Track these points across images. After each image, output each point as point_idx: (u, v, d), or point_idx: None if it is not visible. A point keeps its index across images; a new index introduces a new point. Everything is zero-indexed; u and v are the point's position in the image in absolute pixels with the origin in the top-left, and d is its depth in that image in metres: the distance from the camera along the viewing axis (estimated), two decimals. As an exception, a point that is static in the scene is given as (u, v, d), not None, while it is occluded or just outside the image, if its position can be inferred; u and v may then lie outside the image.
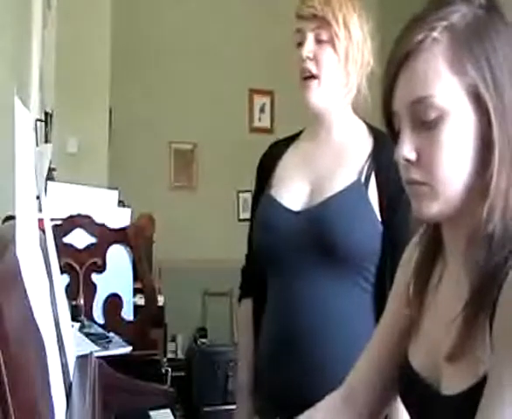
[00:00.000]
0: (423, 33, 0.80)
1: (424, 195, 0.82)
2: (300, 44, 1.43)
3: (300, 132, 1.59)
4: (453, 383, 0.81)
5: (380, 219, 1.38)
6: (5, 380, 0.56)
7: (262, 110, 5.36)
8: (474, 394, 0.76)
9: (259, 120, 5.35)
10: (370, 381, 1.03)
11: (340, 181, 1.41)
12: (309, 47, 1.41)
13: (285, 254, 1.42)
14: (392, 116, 0.86)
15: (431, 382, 0.87)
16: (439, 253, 0.92)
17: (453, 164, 0.79)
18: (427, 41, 0.80)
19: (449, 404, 0.82)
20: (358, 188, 1.39)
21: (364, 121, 1.50)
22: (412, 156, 0.82)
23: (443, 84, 0.79)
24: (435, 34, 0.80)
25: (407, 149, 0.82)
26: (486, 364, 0.76)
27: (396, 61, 0.82)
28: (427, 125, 0.80)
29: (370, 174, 1.40)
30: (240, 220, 4.89)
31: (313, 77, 1.42)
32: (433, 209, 0.82)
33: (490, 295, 0.76)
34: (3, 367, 0.55)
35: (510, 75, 0.79)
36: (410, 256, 0.99)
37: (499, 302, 0.75)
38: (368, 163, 1.41)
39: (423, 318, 0.93)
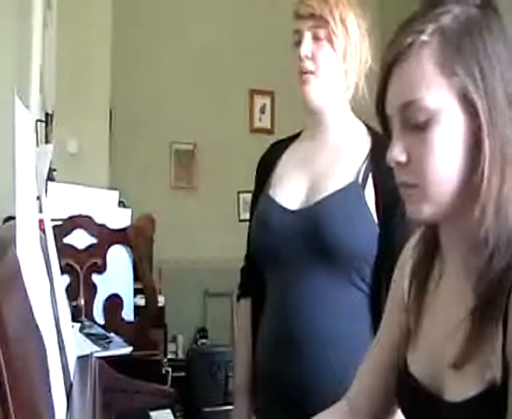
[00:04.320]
0: (411, 37, 0.80)
1: (414, 197, 0.82)
2: (298, 44, 1.43)
3: (300, 132, 1.59)
4: (457, 389, 0.80)
5: (377, 220, 1.38)
6: (5, 380, 0.55)
7: (262, 110, 5.35)
8: (482, 400, 0.76)
9: (260, 120, 5.35)
10: (373, 390, 1.02)
11: (337, 181, 1.41)
12: (307, 46, 1.42)
13: (282, 253, 1.42)
14: (386, 118, 0.86)
15: (432, 389, 0.86)
16: (436, 255, 0.92)
17: (443, 166, 0.79)
18: (416, 44, 0.79)
19: (455, 411, 0.80)
20: (355, 188, 1.39)
21: (363, 122, 1.50)
22: (403, 158, 0.81)
23: (432, 86, 0.78)
24: (424, 37, 0.79)
25: (397, 152, 0.82)
26: (494, 369, 0.75)
27: (386, 65, 0.82)
28: (418, 127, 0.80)
29: (368, 175, 1.40)
30: (241, 220, 4.88)
31: (311, 73, 1.42)
32: (424, 211, 0.81)
33: (498, 301, 0.75)
34: (3, 367, 0.55)
35: (502, 77, 0.78)
36: (406, 259, 0.98)
37: (510, 313, 0.74)
38: (365, 164, 1.41)
39: (421, 322, 0.92)
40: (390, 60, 0.81)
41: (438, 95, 0.78)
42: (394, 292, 1.02)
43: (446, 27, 0.79)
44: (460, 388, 0.79)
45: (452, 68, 0.78)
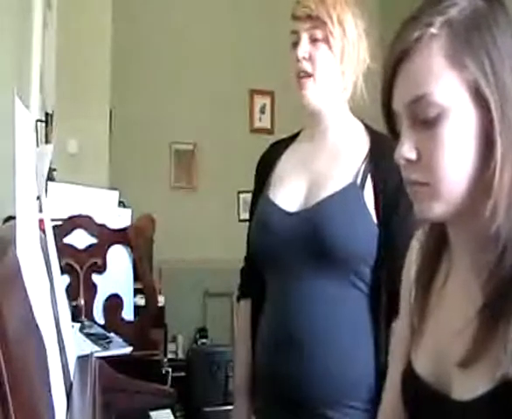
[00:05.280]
0: (420, 30, 0.78)
1: (425, 195, 0.80)
2: (296, 45, 1.43)
3: (299, 132, 1.59)
4: (465, 388, 0.79)
5: (376, 221, 1.37)
6: (5, 380, 0.55)
7: (262, 110, 5.36)
8: (493, 398, 0.75)
9: (260, 120, 5.35)
10: (398, 404, 0.97)
11: (336, 182, 1.40)
12: (304, 47, 1.41)
13: (281, 255, 1.42)
14: (393, 116, 0.84)
15: (438, 388, 0.85)
16: (443, 254, 0.90)
17: (454, 162, 0.77)
18: (425, 37, 0.78)
19: (463, 410, 0.79)
20: (354, 189, 1.39)
21: (362, 121, 1.50)
22: (413, 156, 0.80)
23: (442, 80, 0.77)
24: (433, 30, 0.78)
25: (407, 149, 0.80)
26: (504, 366, 0.73)
27: (393, 60, 0.80)
28: (427, 123, 0.78)
29: (367, 176, 1.40)
30: (241, 220, 4.89)
31: (308, 75, 1.42)
32: (436, 209, 0.80)
33: (510, 299, 0.74)
34: (3, 367, 0.55)
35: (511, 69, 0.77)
36: (412, 258, 0.96)
37: None
38: (364, 165, 1.41)
39: (427, 321, 0.90)
40: (398, 54, 0.80)
41: (448, 89, 0.77)
42: (403, 293, 1.00)
43: (454, 19, 0.78)
44: (468, 387, 0.78)
45: (462, 61, 0.76)
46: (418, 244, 0.95)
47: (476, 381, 0.77)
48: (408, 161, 0.80)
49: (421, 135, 0.79)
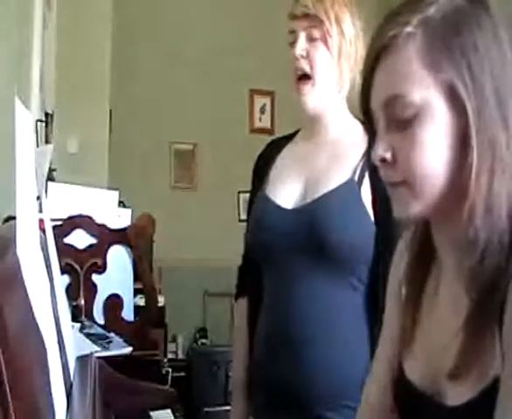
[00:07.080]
0: (397, 28, 0.77)
1: (403, 195, 0.79)
2: (294, 45, 1.43)
3: (297, 131, 1.59)
4: (458, 394, 0.78)
5: (373, 219, 1.37)
6: (5, 380, 0.56)
7: (263, 110, 5.36)
8: (482, 400, 0.74)
9: (260, 120, 5.35)
10: (383, 398, 0.97)
11: (333, 179, 1.40)
12: (302, 45, 1.42)
13: (278, 252, 1.42)
14: (371, 114, 0.83)
15: (432, 394, 0.84)
16: (432, 258, 0.89)
17: (430, 162, 0.76)
18: (401, 36, 0.76)
19: (456, 415, 0.79)
20: (351, 186, 1.39)
21: (359, 119, 1.50)
22: (388, 156, 0.79)
23: (418, 81, 0.76)
24: (409, 29, 0.76)
25: (382, 149, 0.79)
26: (494, 369, 0.73)
27: (371, 57, 0.79)
28: (402, 123, 0.77)
29: (364, 173, 1.39)
30: (241, 220, 4.88)
31: (306, 77, 1.42)
32: (413, 208, 0.79)
33: (494, 304, 0.73)
34: (3, 367, 0.56)
35: (492, 74, 0.75)
36: (400, 258, 0.95)
37: (507, 307, 0.72)
38: (362, 162, 1.41)
39: (418, 328, 0.89)
40: (375, 53, 0.79)
41: (424, 91, 0.76)
42: (390, 293, 1.00)
43: (431, 19, 0.76)
44: (460, 393, 0.78)
45: (438, 63, 0.75)
46: (405, 246, 0.94)
47: (467, 387, 0.77)
48: (384, 160, 0.80)
49: (396, 135, 0.79)
